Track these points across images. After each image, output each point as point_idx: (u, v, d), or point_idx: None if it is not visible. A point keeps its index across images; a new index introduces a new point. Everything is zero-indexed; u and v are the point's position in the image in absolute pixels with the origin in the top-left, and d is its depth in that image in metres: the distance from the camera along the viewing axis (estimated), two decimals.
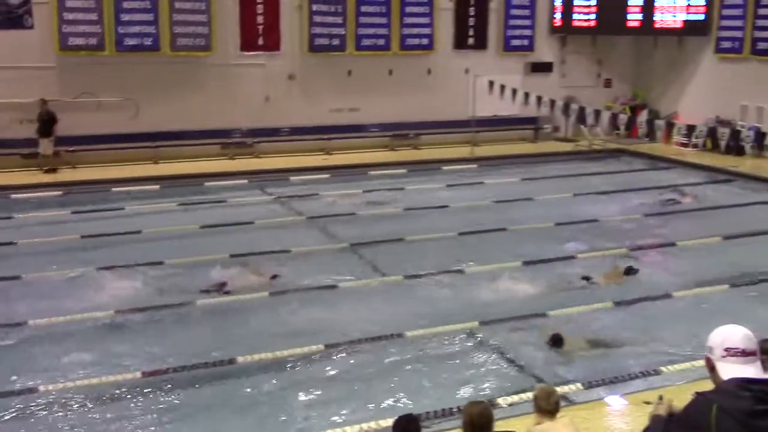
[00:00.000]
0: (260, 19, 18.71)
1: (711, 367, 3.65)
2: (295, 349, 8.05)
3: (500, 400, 6.79)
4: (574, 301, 9.48)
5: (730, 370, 3.55)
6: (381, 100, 20.14)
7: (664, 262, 11.50)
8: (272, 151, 18.92)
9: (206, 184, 16.14)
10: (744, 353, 3.59)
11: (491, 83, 18.98)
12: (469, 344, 8.37)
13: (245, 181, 16.55)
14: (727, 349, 3.61)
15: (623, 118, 17.49)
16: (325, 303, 9.57)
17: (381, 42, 19.82)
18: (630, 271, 10.60)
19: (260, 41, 18.81)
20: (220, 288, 9.87)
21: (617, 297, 9.62)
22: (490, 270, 10.78)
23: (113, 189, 15.51)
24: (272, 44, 18.93)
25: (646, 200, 15.07)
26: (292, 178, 16.79)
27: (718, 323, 3.86)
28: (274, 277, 10.26)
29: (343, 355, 8.09)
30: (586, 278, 10.32)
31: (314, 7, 19.01)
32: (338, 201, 14.90)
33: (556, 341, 8.20)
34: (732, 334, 3.69)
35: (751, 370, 3.54)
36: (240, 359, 7.83)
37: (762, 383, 3.50)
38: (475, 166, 18.46)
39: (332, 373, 7.77)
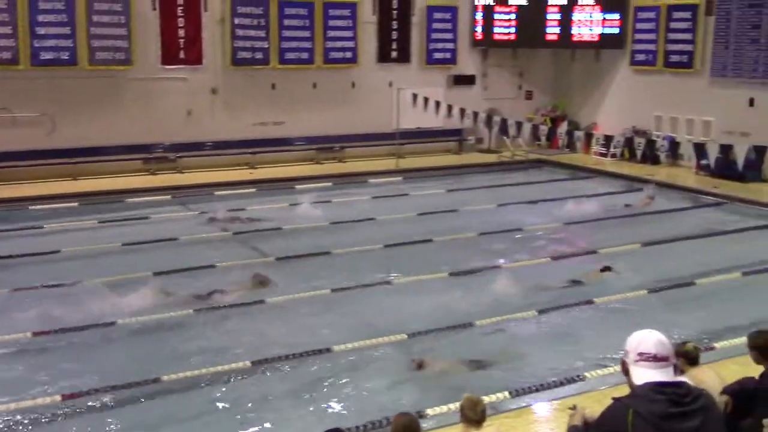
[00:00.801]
0: (182, 32, 18.48)
1: (626, 371, 3.76)
2: (220, 366, 7.94)
3: (429, 411, 6.82)
4: (498, 311, 9.61)
5: (643, 374, 3.66)
6: (306, 114, 20.10)
7: (585, 265, 11.77)
8: (196, 166, 18.66)
9: (128, 200, 15.84)
10: (656, 358, 3.70)
11: (415, 96, 19.16)
12: (396, 356, 8.40)
13: (168, 196, 16.27)
14: (640, 354, 3.72)
15: (544, 129, 17.86)
16: (251, 318, 9.46)
17: (305, 55, 19.80)
18: (606, 269, 11.13)
19: (182, 55, 18.57)
20: (212, 294, 10.04)
21: (543, 305, 9.80)
22: (418, 281, 10.86)
23: (30, 207, 15.07)
24: (194, 58, 18.71)
25: (568, 209, 15.42)
26: (217, 193, 16.59)
27: (638, 328, 4.00)
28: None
29: (269, 371, 8.01)
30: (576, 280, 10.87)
31: (236, 21, 18.89)
32: (264, 215, 14.80)
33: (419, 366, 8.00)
34: (646, 339, 3.80)
35: (662, 374, 3.65)
36: (165, 378, 7.69)
37: (674, 386, 3.62)
38: (400, 178, 18.58)
39: (259, 389, 7.68)
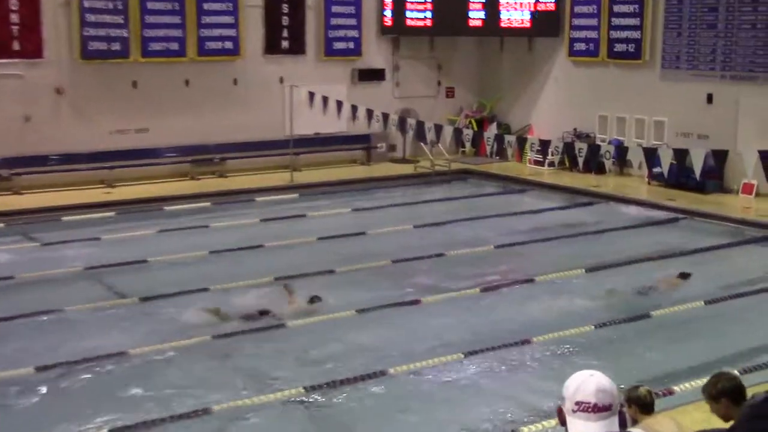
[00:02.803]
0: (15, 17, 17.97)
1: (563, 421, 3.78)
2: None
3: None
4: (417, 355, 9.68)
5: (581, 427, 3.69)
6: (176, 118, 19.87)
7: (521, 298, 11.98)
8: (37, 185, 18.15)
9: None
10: (596, 408, 3.73)
11: (312, 95, 19.15)
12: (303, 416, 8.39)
13: (1, 225, 15.84)
14: (578, 403, 3.75)
15: (469, 133, 18.09)
16: (110, 383, 9.26)
17: (174, 46, 19.57)
18: (684, 276, 12.26)
19: (16, 46, 18.08)
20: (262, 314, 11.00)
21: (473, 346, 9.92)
22: (318, 322, 10.86)
23: None
24: (32, 49, 18.22)
25: (499, 229, 15.66)
26: (65, 219, 16.20)
27: (578, 369, 4.04)
28: (312, 300, 11.45)
29: None
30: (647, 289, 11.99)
31: (86, 4, 18.50)
32: (125, 245, 14.52)
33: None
34: (584, 385, 3.83)
35: (604, 427, 3.68)
36: None
37: None
38: (295, 195, 18.56)
39: None
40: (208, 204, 17.58)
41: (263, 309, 11.15)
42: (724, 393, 5.81)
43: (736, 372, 6.89)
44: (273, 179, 19.62)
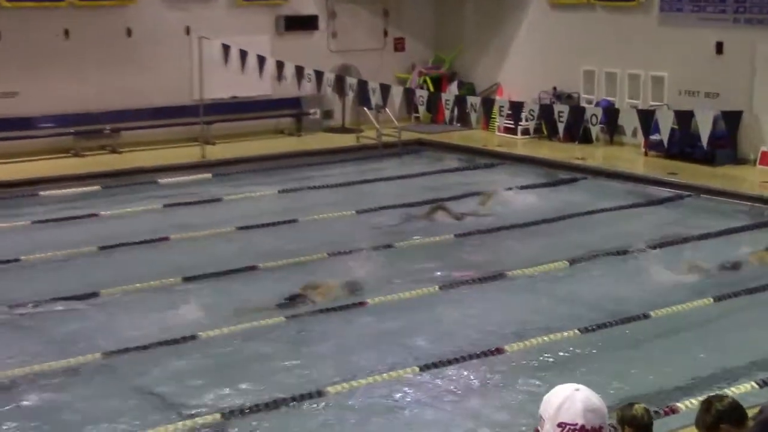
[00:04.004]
0: None
1: None
2: None
3: None
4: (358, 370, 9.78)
5: None
6: (54, 79, 19.69)
7: (490, 299, 12.10)
8: None
9: None
10: (584, 431, 3.80)
11: (226, 49, 19.01)
12: None
13: None
14: (561, 425, 3.81)
15: (423, 95, 18.09)
16: None
17: None
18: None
19: None
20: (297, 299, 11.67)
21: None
22: (239, 331, 10.86)
23: None
24: None
25: (462, 211, 15.71)
26: None
27: (559, 382, 4.09)
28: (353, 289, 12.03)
29: None
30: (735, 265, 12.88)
31: None
32: None
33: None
34: (569, 403, 3.89)
35: None
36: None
37: None
38: (208, 175, 18.49)
39: None
40: (97, 187, 17.45)
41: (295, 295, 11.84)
42: (721, 418, 5.86)
43: (726, 392, 7.01)
44: (179, 155, 19.50)
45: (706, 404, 5.92)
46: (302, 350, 10.61)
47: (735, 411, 5.93)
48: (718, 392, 6.99)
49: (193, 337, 10.63)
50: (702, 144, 14.94)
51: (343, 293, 12.01)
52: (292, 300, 11.75)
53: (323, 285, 12.15)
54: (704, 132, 14.23)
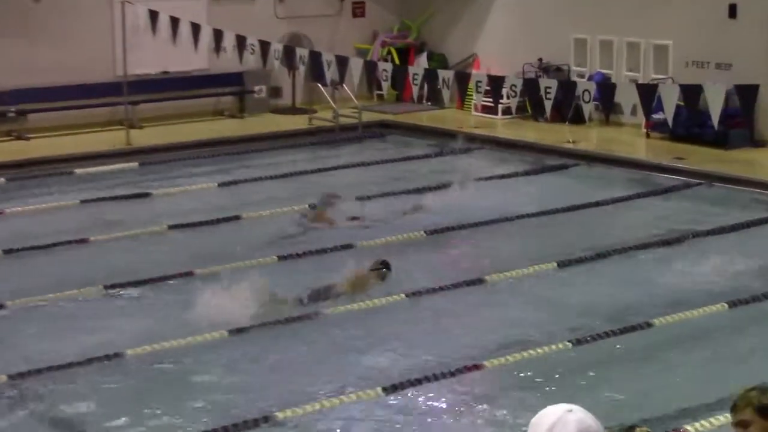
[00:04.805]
0: None
1: None
2: None
3: None
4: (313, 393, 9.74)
5: None
6: None
7: (466, 308, 12.13)
8: None
9: None
10: None
11: (154, 15, 18.93)
12: None
13: None
14: None
15: (388, 69, 18.08)
16: None
17: None
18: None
19: None
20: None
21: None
22: (166, 350, 10.86)
23: None
24: None
25: (434, 206, 15.74)
26: None
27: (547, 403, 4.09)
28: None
29: None
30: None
31: None
32: None
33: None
34: (562, 427, 3.92)
35: None
36: None
37: None
38: (134, 164, 18.48)
39: None
40: (0, 180, 17.43)
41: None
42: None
43: None
44: (100, 141, 19.52)
45: (763, 388, 5.89)
46: (246, 369, 10.59)
47: None
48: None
49: (117, 356, 10.57)
50: (712, 124, 15.02)
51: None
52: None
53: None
54: (715, 109, 14.28)
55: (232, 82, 21.87)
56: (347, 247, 13.97)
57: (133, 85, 19.86)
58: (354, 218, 15.05)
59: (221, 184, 17.44)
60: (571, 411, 3.99)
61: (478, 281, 12.75)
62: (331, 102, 21.02)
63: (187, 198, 16.69)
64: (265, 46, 18.42)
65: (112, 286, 12.50)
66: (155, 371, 10.52)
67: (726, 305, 11.73)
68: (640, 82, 17.32)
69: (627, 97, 15.35)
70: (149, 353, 10.74)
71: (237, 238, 14.58)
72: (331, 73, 17.98)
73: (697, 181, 16.99)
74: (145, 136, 19.87)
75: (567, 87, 16.22)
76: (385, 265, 12.60)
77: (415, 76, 17.23)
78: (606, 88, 15.91)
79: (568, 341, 10.77)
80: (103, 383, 10.23)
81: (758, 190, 16.47)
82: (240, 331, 11.23)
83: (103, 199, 16.43)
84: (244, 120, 21.78)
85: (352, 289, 12.16)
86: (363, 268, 12.49)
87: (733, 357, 10.70)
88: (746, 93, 14.62)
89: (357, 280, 12.27)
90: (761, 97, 14.68)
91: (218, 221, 15.21)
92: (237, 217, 15.39)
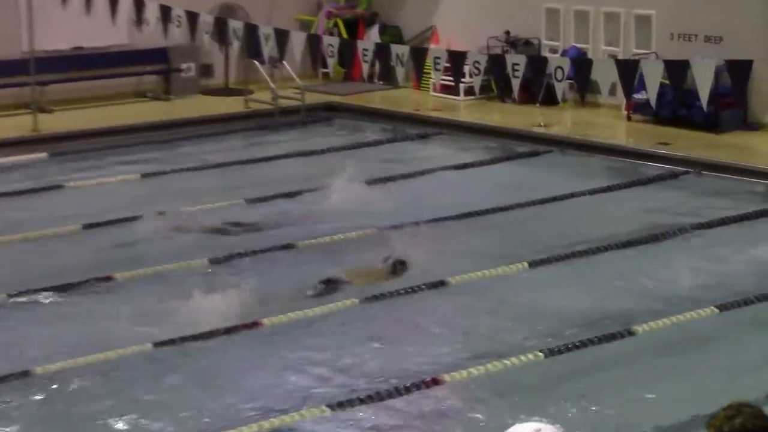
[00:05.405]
0: None
1: None
2: None
3: None
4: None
5: None
6: None
7: (424, 314, 12.17)
8: None
9: None
10: None
11: None
12: None
13: None
14: None
15: (334, 44, 18.08)
16: None
17: None
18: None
19: None
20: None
21: None
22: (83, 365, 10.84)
23: None
24: None
25: (387, 199, 15.89)
26: None
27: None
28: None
29: None
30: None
31: None
32: None
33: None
34: None
35: None
36: None
37: None
38: (43, 154, 18.44)
39: None
40: None
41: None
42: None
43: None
44: (3, 127, 19.45)
45: (733, 411, 5.96)
46: (173, 386, 10.54)
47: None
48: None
49: (24, 374, 10.53)
50: (701, 104, 15.10)
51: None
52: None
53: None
54: (704, 88, 14.36)
55: (156, 59, 21.90)
56: (288, 247, 14.01)
57: (41, 62, 19.76)
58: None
59: (144, 176, 17.41)
60: (540, 430, 4.04)
61: (440, 284, 12.77)
62: (270, 82, 21.03)
63: (104, 192, 16.63)
64: (193, 17, 18.36)
65: (18, 294, 12.42)
66: (68, 391, 10.43)
67: (716, 309, 11.79)
68: (619, 57, 17.39)
69: (605, 75, 15.40)
70: (61, 370, 10.66)
71: (163, 238, 14.53)
72: (269, 48, 17.96)
73: (684, 169, 17.12)
74: (55, 122, 19.86)
75: (537, 63, 16.26)
76: (399, 262, 13.10)
77: (365, 52, 17.24)
78: (581, 65, 15.96)
79: (540, 351, 10.76)
80: (7, 405, 10.17)
81: (752, 179, 16.61)
82: (166, 343, 11.17)
83: (7, 194, 16.39)
84: (169, 102, 21.82)
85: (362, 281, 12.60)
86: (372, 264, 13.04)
87: (724, 368, 10.72)
88: (739, 69, 14.72)
89: (367, 276, 12.68)
90: (755, 74, 14.78)
91: (140, 219, 15.10)
92: (162, 214, 15.24)
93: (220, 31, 18.34)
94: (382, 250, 13.67)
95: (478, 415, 9.84)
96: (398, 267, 13.09)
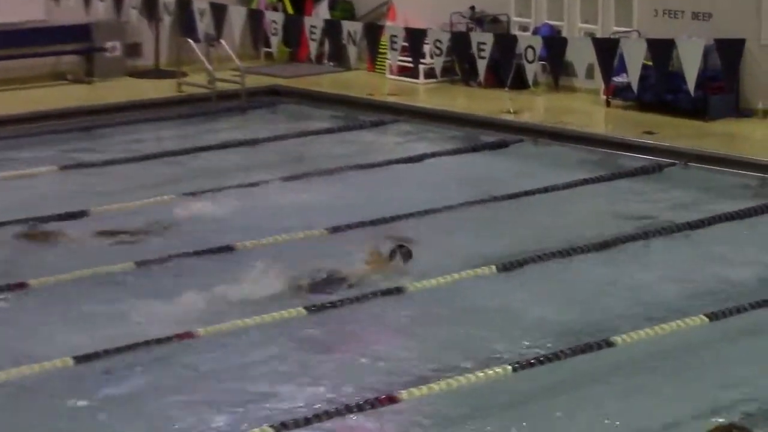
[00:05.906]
0: None
1: None
2: None
3: None
4: None
5: None
6: None
7: (378, 324, 12.17)
8: None
9: None
10: None
11: None
12: None
13: None
14: None
15: (278, 20, 18.07)
16: None
17: None
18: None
19: None
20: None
21: None
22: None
23: None
24: None
25: (337, 194, 15.95)
26: None
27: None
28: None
29: None
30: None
31: None
32: None
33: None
34: None
35: None
36: None
37: None
38: None
39: None
40: None
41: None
42: None
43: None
44: None
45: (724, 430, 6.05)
46: (97, 406, 10.43)
47: None
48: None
49: None
50: (688, 88, 15.17)
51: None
52: None
53: None
54: (691, 71, 14.43)
55: (77, 37, 21.85)
56: (226, 249, 14.01)
57: None
58: None
59: (63, 168, 17.41)
60: None
61: (396, 290, 12.78)
62: (206, 63, 20.99)
63: (19, 187, 16.57)
64: None
65: None
66: None
67: (705, 318, 11.80)
68: (597, 36, 17.43)
69: (581, 56, 15.48)
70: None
71: (85, 239, 14.50)
72: (205, 25, 17.96)
73: (669, 160, 17.16)
74: None
75: (506, 43, 16.33)
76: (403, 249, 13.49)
77: (313, 30, 17.28)
78: (555, 45, 16.02)
79: (509, 365, 10.76)
80: None
81: (744, 172, 16.65)
82: (90, 357, 11.11)
83: None
84: (93, 85, 21.81)
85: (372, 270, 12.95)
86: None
87: (712, 384, 10.71)
88: (729, 49, 14.77)
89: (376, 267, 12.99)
90: (747, 55, 14.80)
91: (60, 217, 15.09)
92: (84, 213, 15.31)
93: (150, 5, 18.32)
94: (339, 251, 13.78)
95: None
96: (404, 256, 13.34)
